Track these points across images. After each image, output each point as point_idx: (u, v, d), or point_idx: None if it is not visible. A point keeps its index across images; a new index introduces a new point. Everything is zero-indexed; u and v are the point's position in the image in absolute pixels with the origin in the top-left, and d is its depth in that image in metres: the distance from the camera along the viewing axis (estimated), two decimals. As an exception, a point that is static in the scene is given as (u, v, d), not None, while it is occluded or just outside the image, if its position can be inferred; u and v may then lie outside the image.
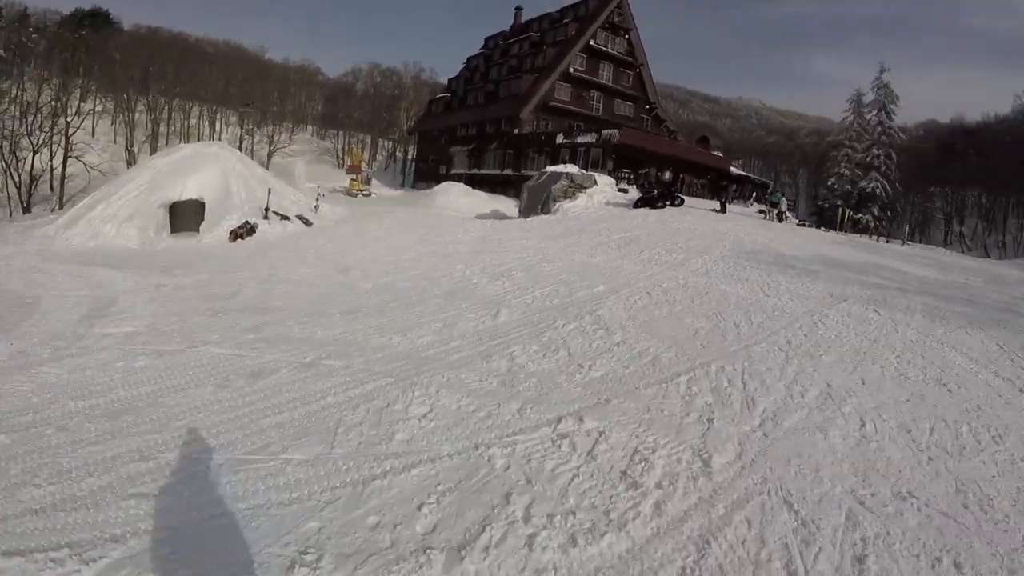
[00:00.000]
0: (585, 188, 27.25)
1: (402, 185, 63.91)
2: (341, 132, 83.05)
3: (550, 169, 28.80)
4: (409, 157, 74.68)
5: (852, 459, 5.09)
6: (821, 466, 4.92)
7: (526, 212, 26.66)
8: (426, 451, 4.91)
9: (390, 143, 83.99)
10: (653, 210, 24.84)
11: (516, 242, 17.08)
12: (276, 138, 70.86)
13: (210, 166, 22.69)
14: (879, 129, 47.33)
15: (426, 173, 60.00)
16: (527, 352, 7.38)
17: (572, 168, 29.03)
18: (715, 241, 17.21)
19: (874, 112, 48.10)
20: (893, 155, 46.57)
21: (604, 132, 39.09)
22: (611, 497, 4.33)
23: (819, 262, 15.31)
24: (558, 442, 5.08)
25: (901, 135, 49.61)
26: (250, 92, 73.60)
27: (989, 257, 41.23)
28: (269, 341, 7.89)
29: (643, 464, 4.78)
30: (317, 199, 26.79)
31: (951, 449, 5.48)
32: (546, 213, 25.27)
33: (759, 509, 4.26)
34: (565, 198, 26.32)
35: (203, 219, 20.51)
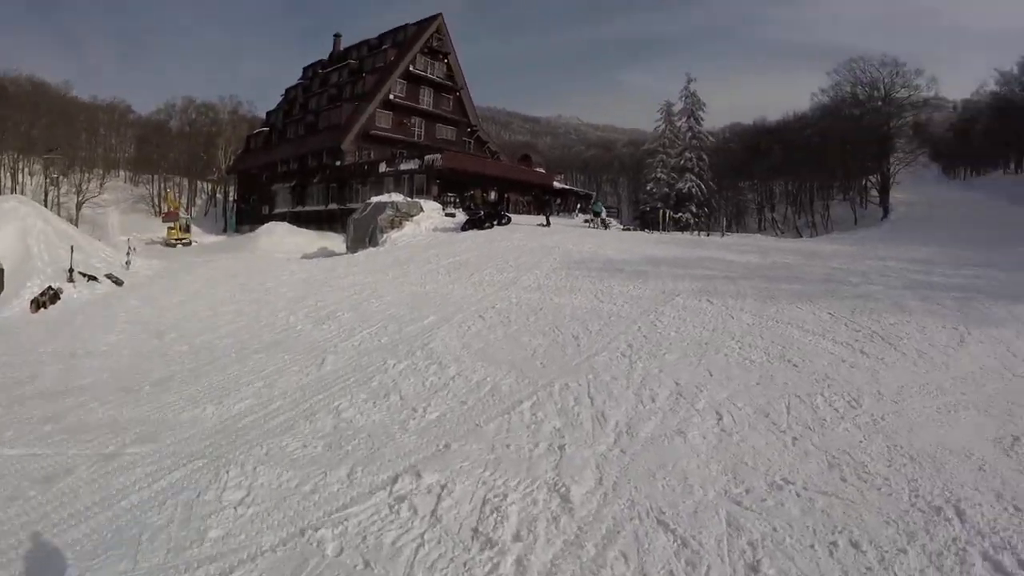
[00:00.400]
0: (412, 216, 26.90)
1: (224, 230, 59.67)
2: (156, 176, 75.66)
3: (375, 200, 28.24)
4: (231, 199, 69.56)
5: (718, 457, 4.80)
6: (688, 473, 4.56)
7: (353, 247, 25.81)
8: (244, 547, 3.92)
9: (209, 185, 77.75)
10: (481, 231, 24.83)
11: (342, 280, 16.05)
12: (85, 187, 64.53)
13: (6, 225, 19.35)
14: (690, 134, 51.53)
15: (249, 215, 56.57)
16: (355, 403, 6.51)
17: (397, 197, 28.68)
18: (544, 255, 17.22)
19: (684, 119, 52.27)
20: (705, 157, 50.90)
21: (427, 157, 38.96)
22: (465, 564, 3.61)
23: (647, 262, 15.73)
24: (396, 507, 4.28)
25: (710, 138, 54.36)
26: (55, 136, 64.73)
27: (801, 237, 46.10)
28: (70, 431, 6.36)
29: (495, 515, 4.11)
30: (128, 254, 23.86)
31: (812, 424, 5.44)
32: (374, 245, 24.52)
33: (633, 538, 3.76)
34: (392, 228, 25.79)
35: (1, 288, 17.26)
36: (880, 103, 58.22)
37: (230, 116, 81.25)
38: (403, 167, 40.06)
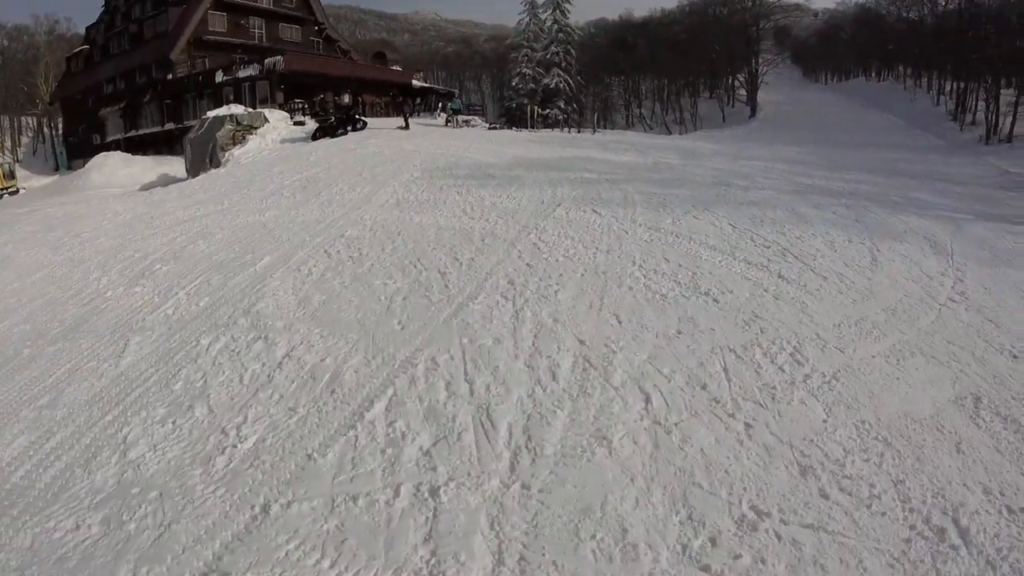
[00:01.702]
0: (256, 129, 23.66)
1: (56, 168, 51.14)
2: None
3: (211, 114, 24.39)
4: (59, 132, 60.17)
5: (660, 479, 3.30)
6: (625, 519, 3.01)
7: (193, 170, 22.57)
8: None
9: (34, 120, 66.89)
10: (334, 139, 22.13)
11: (171, 215, 13.10)
12: None
13: None
14: (556, 27, 48.54)
15: (79, 148, 48.22)
16: (149, 427, 4.30)
17: (237, 109, 24.89)
18: (404, 163, 15.03)
19: (549, 12, 49.08)
20: (572, 51, 48.28)
21: (267, 61, 33.86)
22: None
23: (520, 166, 14.00)
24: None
25: (578, 32, 51.79)
26: None
27: (671, 134, 45.59)
28: None
29: None
30: None
31: (761, 396, 4.17)
32: (215, 167, 21.39)
33: None
34: (234, 144, 22.59)
35: None
36: (750, 3, 57.80)
37: (47, 38, 68.77)
38: (242, 74, 34.92)
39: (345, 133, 23.19)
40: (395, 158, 15.88)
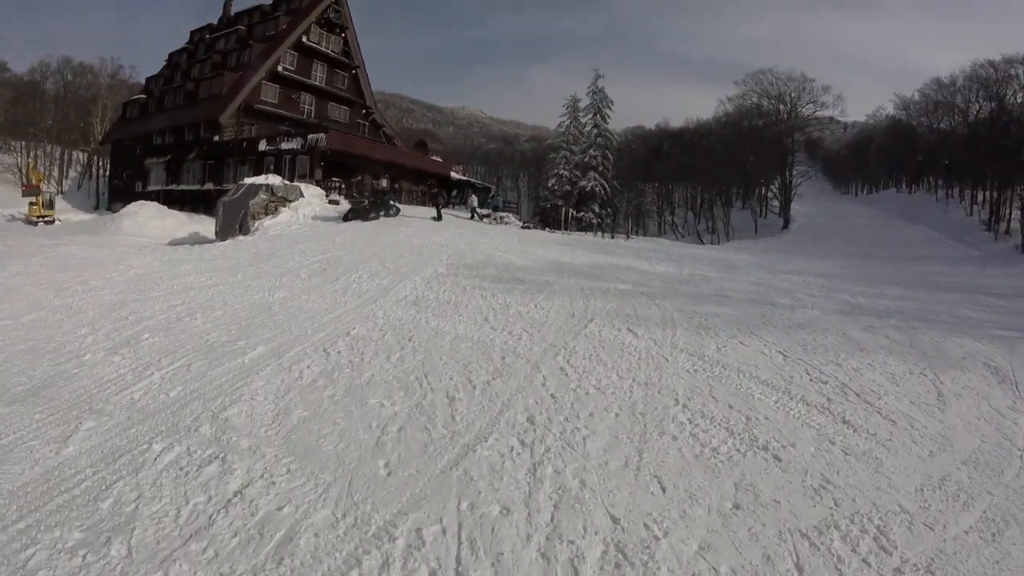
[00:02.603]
0: (289, 202, 23.79)
1: (96, 207, 52.38)
2: (25, 144, 66.11)
3: (248, 181, 24.57)
4: (105, 173, 61.81)
5: None
6: None
7: (223, 233, 22.29)
8: None
9: (85, 156, 69.08)
10: (365, 223, 21.80)
11: (182, 279, 12.50)
12: None
13: None
14: (595, 131, 49.18)
15: (122, 191, 48.97)
16: (54, 561, 3.24)
17: (274, 179, 24.99)
18: (431, 256, 14.36)
19: (590, 116, 49.86)
20: (610, 155, 48.71)
21: (311, 136, 34.28)
22: None
23: (551, 270, 13.22)
24: None
25: (616, 137, 52.44)
26: None
27: (703, 243, 45.03)
28: None
29: None
30: None
31: None
32: (244, 233, 21.28)
33: None
34: (266, 215, 22.62)
35: None
36: (786, 116, 58.63)
37: (110, 80, 71.71)
38: (285, 146, 35.40)
39: (377, 217, 22.95)
40: (422, 249, 15.28)
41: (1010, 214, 36.02)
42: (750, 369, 6.83)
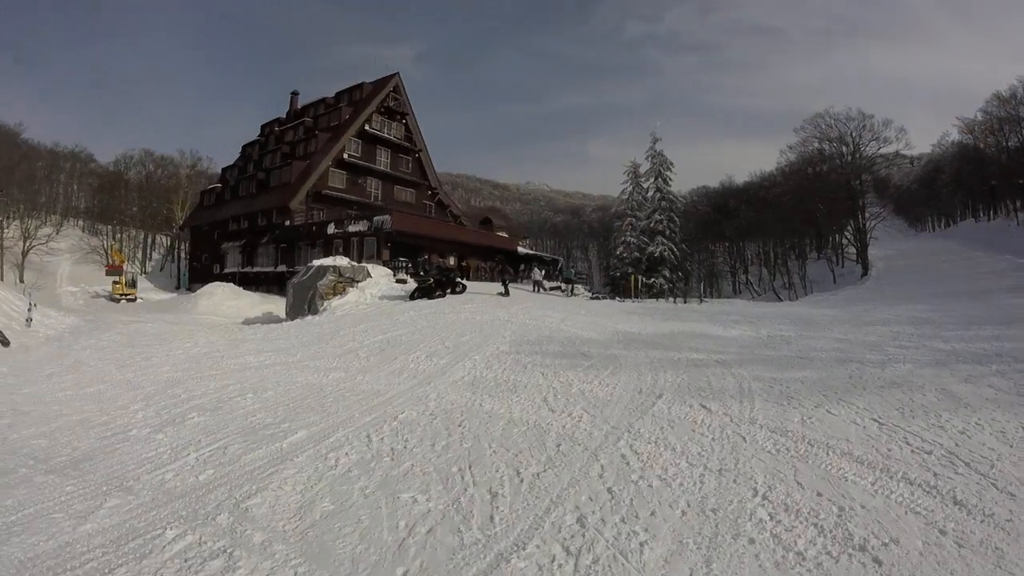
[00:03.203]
0: (357, 282, 24.37)
1: (177, 287, 55.85)
2: (111, 228, 72.71)
3: (316, 263, 25.41)
4: (186, 256, 66.10)
5: None
6: None
7: (292, 313, 23.21)
8: None
9: (167, 240, 74.31)
10: (431, 300, 21.82)
11: (241, 358, 12.61)
12: (33, 232, 60.26)
13: None
14: (658, 195, 48.68)
15: (200, 273, 52.46)
16: None
17: (341, 260, 25.81)
18: (493, 332, 13.96)
19: (651, 180, 49.56)
20: (676, 218, 47.93)
21: (376, 219, 35.30)
22: None
23: (619, 342, 12.54)
24: None
25: (680, 199, 51.81)
26: (12, 180, 60.78)
27: (780, 300, 43.16)
28: None
29: None
30: (29, 309, 19.63)
31: None
32: (313, 313, 21.81)
33: None
34: (334, 295, 23.24)
35: None
36: (850, 157, 56.63)
37: (189, 171, 78.57)
38: (352, 228, 36.48)
39: (443, 295, 22.97)
40: (485, 326, 14.92)
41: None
42: (841, 444, 5.94)
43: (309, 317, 21.11)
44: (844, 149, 57.50)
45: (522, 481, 5.29)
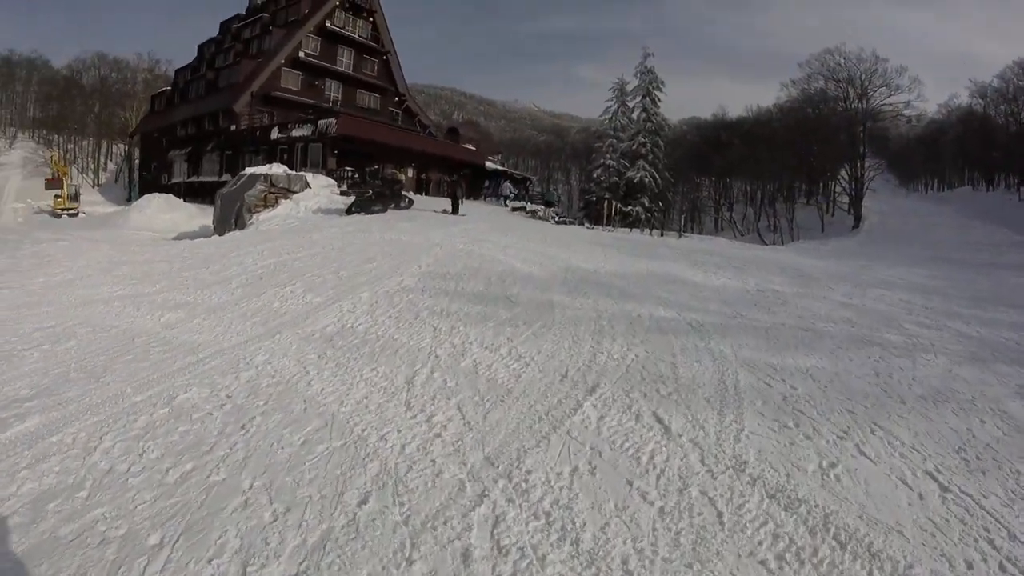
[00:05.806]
0: (293, 192, 21.70)
1: (128, 199, 51.19)
2: (63, 138, 67.42)
3: (248, 171, 22.65)
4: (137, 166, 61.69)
5: None
6: None
7: (220, 227, 20.68)
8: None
9: (124, 149, 69.05)
10: (369, 216, 19.08)
11: (95, 289, 9.74)
12: None
13: None
14: (644, 116, 44.75)
15: (150, 184, 48.04)
16: None
17: (277, 168, 22.90)
18: (411, 258, 11.02)
19: (639, 98, 45.40)
20: (661, 144, 44.25)
21: (321, 122, 31.40)
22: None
23: (563, 283, 9.61)
24: None
25: (668, 122, 48.01)
26: None
27: (765, 243, 40.40)
28: None
29: None
30: None
31: None
32: (240, 228, 19.40)
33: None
34: (265, 206, 20.65)
35: None
36: (856, 102, 52.81)
37: (147, 74, 72.20)
38: (295, 133, 32.56)
39: (383, 210, 20.03)
40: (408, 250, 12.10)
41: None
42: (893, 536, 3.08)
43: (234, 232, 18.73)
44: (851, 91, 53.52)
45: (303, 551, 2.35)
